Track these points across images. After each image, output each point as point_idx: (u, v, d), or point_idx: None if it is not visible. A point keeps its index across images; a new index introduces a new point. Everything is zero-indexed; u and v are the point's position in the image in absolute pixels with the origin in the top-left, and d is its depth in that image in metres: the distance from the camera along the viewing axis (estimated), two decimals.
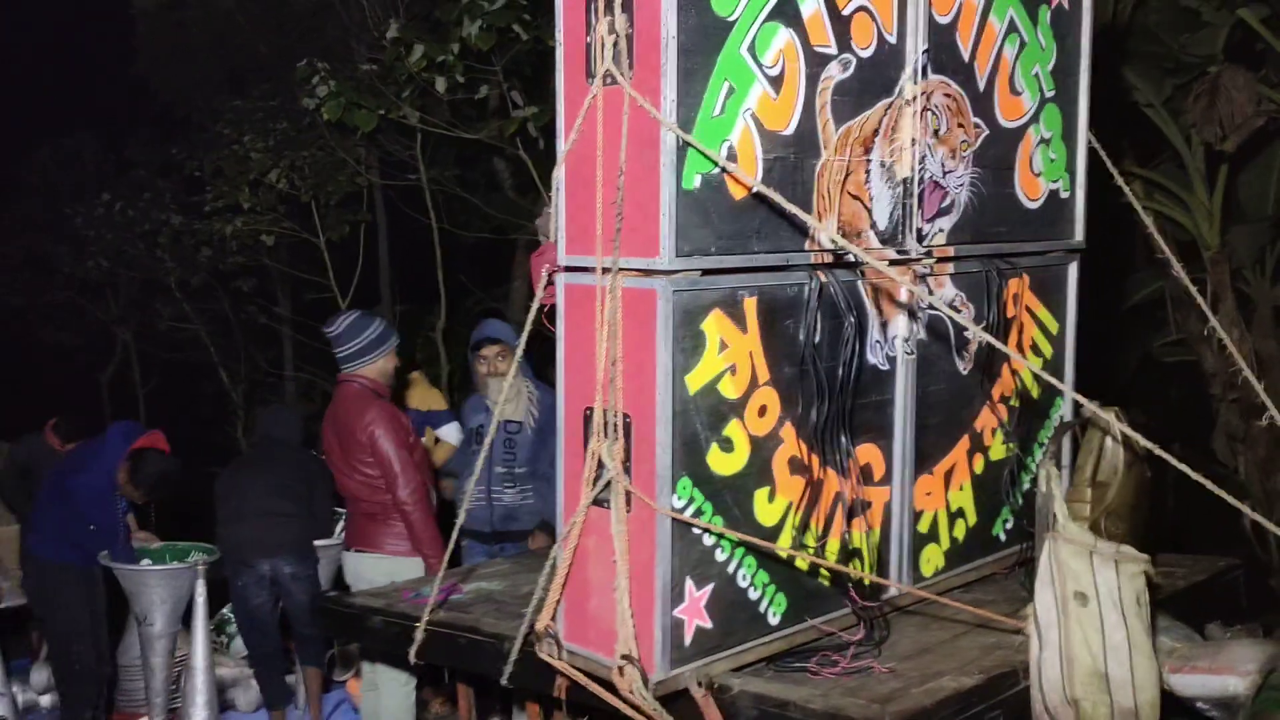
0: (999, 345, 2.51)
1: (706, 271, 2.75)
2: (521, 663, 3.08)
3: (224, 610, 6.49)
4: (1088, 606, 2.60)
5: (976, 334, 2.88)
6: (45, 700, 6.24)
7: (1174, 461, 2.39)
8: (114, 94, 14.07)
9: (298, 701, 6.09)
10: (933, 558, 3.45)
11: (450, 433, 6.33)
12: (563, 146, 2.86)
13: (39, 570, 5.70)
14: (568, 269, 2.92)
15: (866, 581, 3.07)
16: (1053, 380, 2.68)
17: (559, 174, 2.89)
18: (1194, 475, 2.35)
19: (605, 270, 2.75)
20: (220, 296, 13.79)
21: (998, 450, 3.64)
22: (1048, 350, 3.81)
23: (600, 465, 2.79)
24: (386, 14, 10.30)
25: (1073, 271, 3.85)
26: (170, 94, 13.67)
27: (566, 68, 2.86)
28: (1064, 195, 3.79)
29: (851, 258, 3.00)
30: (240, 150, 11.18)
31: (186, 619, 5.80)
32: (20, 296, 14.32)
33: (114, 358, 15.17)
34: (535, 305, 3.05)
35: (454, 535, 3.34)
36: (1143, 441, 2.43)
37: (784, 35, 2.84)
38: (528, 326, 3.06)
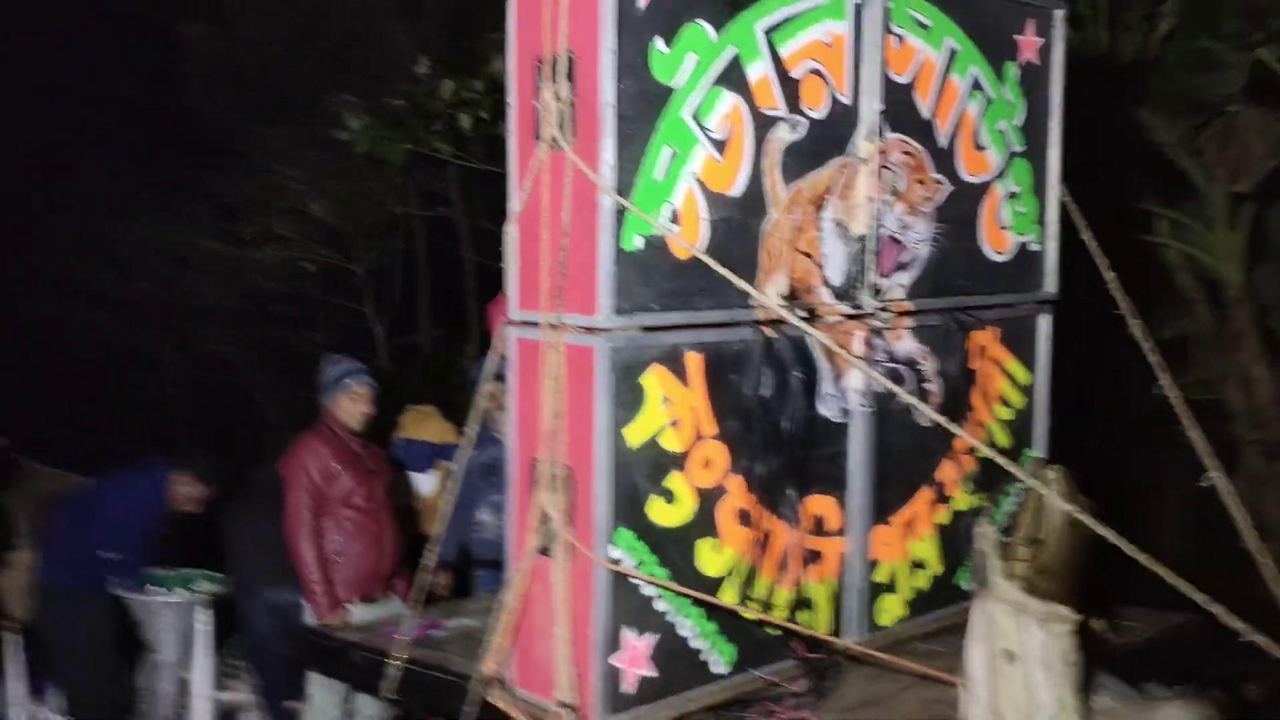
0: (921, 407, 2.55)
1: (649, 328, 2.83)
2: (481, 705, 3.15)
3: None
4: (1015, 665, 2.62)
5: (901, 396, 2.92)
6: None
7: (1092, 523, 2.42)
8: (157, 118, 14.37)
9: None
10: (891, 607, 3.48)
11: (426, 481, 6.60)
12: (514, 205, 2.95)
13: (50, 597, 5.83)
14: (518, 323, 3.01)
15: (810, 634, 3.11)
16: (974, 441, 2.71)
17: (510, 230, 2.98)
18: (1113, 538, 2.37)
19: (551, 326, 2.84)
20: (258, 322, 14.04)
21: (963, 500, 3.66)
22: (1018, 401, 3.83)
23: (544, 515, 2.87)
24: (422, 47, 10.50)
25: (1044, 323, 3.87)
26: (211, 120, 13.99)
27: (518, 129, 2.95)
28: (1034, 248, 3.82)
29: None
30: (277, 179, 11.45)
31: None
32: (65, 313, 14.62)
33: (151, 381, 15.45)
34: (493, 354, 3.15)
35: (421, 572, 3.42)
36: (1064, 505, 2.46)
37: (730, 100, 2.92)
38: (488, 375, 3.16)
